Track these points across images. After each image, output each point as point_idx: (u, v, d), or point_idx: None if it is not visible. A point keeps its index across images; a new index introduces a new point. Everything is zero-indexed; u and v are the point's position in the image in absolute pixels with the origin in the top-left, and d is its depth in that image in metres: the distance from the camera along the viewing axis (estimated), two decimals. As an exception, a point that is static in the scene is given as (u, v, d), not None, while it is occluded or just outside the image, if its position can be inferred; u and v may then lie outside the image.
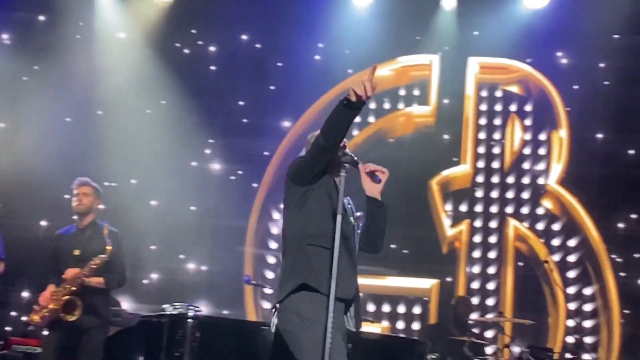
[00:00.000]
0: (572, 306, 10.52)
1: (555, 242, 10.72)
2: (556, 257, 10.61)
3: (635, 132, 10.90)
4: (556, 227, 10.76)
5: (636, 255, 10.78)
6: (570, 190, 10.75)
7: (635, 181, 10.87)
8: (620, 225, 10.82)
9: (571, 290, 10.61)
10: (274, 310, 4.68)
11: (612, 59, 10.95)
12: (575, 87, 10.96)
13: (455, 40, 11.02)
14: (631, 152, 10.95)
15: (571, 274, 10.64)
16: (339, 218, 4.43)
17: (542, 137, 10.94)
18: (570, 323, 10.43)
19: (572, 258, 10.68)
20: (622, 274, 10.68)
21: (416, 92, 11.15)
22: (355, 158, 4.60)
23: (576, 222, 10.70)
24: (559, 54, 11.01)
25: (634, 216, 10.84)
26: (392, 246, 10.62)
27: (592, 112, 10.87)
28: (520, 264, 10.73)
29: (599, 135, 10.93)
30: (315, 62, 11.26)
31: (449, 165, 10.91)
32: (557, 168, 10.78)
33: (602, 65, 10.99)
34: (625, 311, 10.53)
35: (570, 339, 10.36)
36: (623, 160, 10.92)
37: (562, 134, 10.85)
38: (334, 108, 4.42)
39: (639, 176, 10.84)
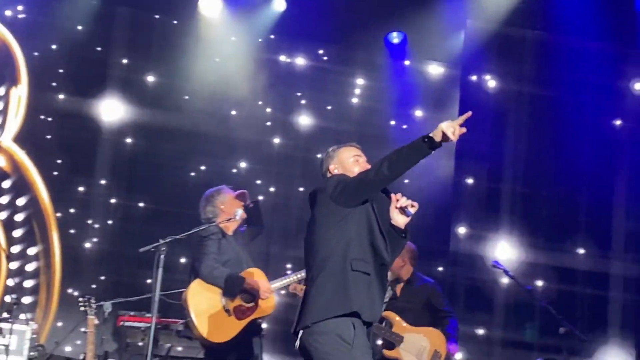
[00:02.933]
0: (14, 265, 10.44)
1: (4, 199, 10.55)
2: (3, 215, 10.45)
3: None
4: (6, 184, 10.59)
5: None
6: (25, 149, 10.64)
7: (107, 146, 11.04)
8: (82, 189, 10.93)
9: (16, 249, 10.51)
10: (300, 330, 4.53)
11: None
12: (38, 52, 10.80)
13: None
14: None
15: (17, 232, 10.52)
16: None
17: (0, 92, 10.70)
18: (10, 282, 10.35)
19: (19, 217, 10.58)
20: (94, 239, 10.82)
21: None
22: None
23: (27, 181, 10.62)
24: (20, 8, 10.80)
25: (103, 182, 10.97)
26: None
27: (50, 72, 10.80)
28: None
29: (61, 96, 10.93)
30: None
31: None
32: (14, 125, 10.61)
33: (80, 28, 10.96)
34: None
35: (7, 299, 10.24)
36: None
37: (21, 91, 10.71)
38: (411, 142, 4.42)
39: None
